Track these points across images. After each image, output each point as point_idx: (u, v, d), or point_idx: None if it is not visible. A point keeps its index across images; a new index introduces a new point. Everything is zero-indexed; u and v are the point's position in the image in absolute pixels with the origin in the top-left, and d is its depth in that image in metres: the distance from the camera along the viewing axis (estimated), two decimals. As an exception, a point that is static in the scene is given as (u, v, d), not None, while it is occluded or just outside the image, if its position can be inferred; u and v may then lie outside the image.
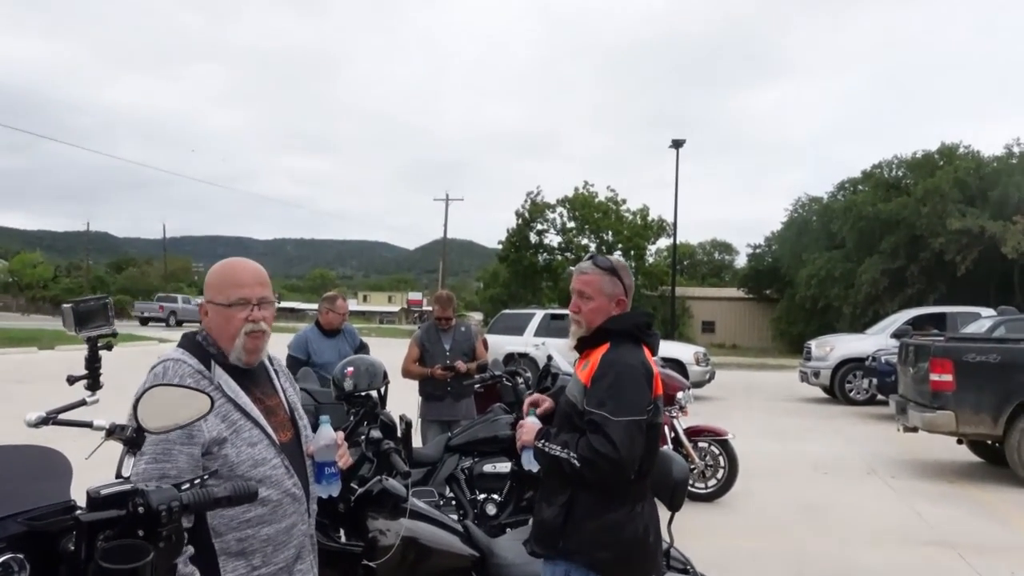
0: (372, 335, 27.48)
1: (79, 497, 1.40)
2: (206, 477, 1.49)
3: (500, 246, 39.82)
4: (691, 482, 5.09)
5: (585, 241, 37.97)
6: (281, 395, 2.14)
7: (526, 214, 38.48)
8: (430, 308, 7.15)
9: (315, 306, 8.05)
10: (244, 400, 1.98)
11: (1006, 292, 27.11)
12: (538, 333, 15.05)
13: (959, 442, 8.63)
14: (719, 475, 6.83)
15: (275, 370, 2.19)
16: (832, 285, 32.71)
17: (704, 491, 6.76)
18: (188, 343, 2.03)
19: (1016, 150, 31.82)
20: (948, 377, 7.73)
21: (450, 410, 5.69)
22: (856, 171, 37.92)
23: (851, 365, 14.69)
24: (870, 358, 13.65)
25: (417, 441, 5.28)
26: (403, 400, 4.97)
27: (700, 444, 6.81)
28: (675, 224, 29.22)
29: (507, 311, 18.01)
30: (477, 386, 5.41)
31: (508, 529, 4.09)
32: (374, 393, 3.47)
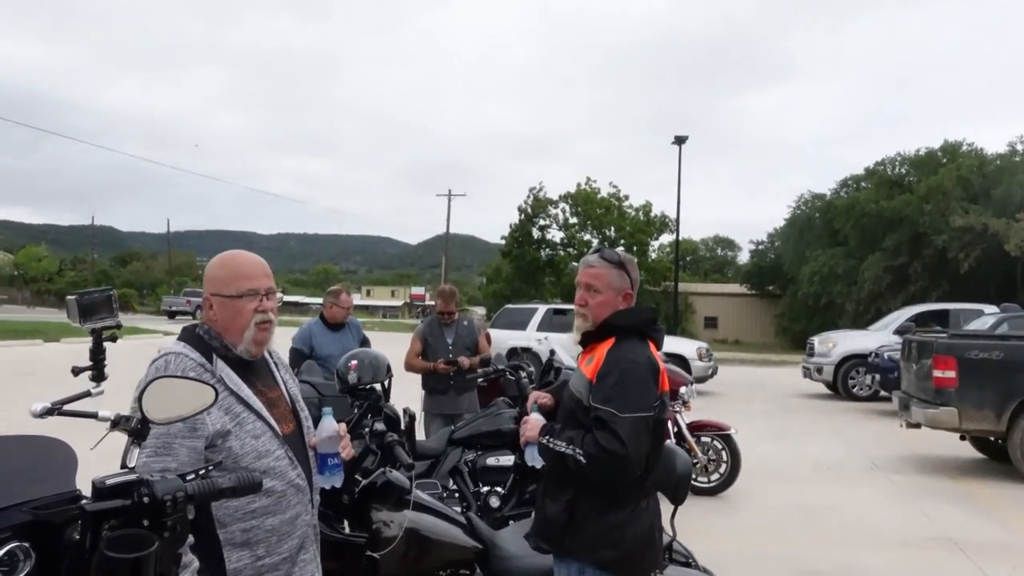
0: (375, 329, 27.51)
1: (85, 487, 1.41)
2: (211, 468, 1.49)
3: (503, 241, 39.77)
4: (694, 476, 5.09)
5: (588, 237, 37.92)
6: (282, 387, 2.14)
7: (529, 209, 38.42)
8: (433, 303, 7.15)
9: (319, 300, 8.06)
10: (246, 393, 1.98)
11: (1009, 289, 27.02)
12: (541, 328, 15.09)
13: (962, 438, 8.62)
14: (722, 469, 6.86)
15: (275, 362, 2.19)
16: (835, 282, 32.61)
17: (707, 485, 6.79)
18: (189, 336, 2.02)
19: (1020, 147, 31.75)
20: (951, 373, 7.73)
21: (453, 404, 5.71)
22: (858, 171, 37.84)
23: (854, 361, 14.63)
24: (873, 354, 13.58)
25: (420, 434, 5.30)
26: (406, 394, 4.99)
27: (703, 439, 6.82)
28: (678, 219, 29.27)
29: (510, 306, 18.02)
30: (480, 380, 5.42)
31: (511, 521, 4.10)
32: (378, 386, 3.48)
